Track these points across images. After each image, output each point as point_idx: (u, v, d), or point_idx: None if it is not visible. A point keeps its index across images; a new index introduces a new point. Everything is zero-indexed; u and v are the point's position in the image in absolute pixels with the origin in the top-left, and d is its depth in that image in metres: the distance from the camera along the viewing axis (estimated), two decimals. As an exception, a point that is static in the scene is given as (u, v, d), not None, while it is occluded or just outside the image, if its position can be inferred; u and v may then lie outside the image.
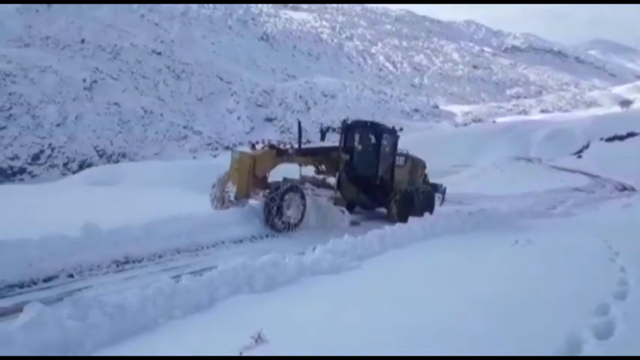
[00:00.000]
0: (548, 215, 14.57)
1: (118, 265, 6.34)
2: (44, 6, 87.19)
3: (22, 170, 57.38)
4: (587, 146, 51.01)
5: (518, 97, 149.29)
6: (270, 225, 8.79)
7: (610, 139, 51.21)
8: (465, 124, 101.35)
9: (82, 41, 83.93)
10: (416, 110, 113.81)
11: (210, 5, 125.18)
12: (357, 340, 3.68)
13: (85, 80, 72.80)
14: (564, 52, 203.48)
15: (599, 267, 6.15)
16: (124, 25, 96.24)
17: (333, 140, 11.57)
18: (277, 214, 8.75)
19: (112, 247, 6.64)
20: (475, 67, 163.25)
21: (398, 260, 7.00)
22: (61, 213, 9.28)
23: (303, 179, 10.56)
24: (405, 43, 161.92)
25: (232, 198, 9.19)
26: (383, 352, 3.36)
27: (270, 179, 9.89)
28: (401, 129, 12.37)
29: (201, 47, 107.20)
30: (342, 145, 11.23)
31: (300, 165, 10.53)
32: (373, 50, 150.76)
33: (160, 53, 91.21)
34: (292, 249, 6.89)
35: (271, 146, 9.70)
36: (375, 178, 11.39)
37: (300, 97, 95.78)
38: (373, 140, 11.63)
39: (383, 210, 11.77)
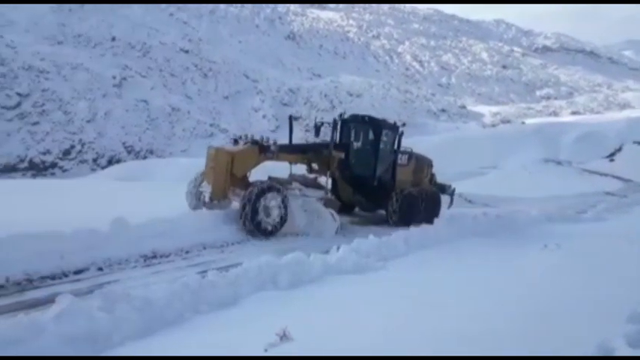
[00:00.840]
0: (578, 219, 14.21)
1: (145, 260, 6.46)
2: (77, 5, 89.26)
3: (53, 165, 58.83)
4: (619, 149, 49.54)
5: (548, 98, 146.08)
6: (247, 230, 7.98)
7: (644, 142, 49.59)
8: (493, 125, 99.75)
9: (113, 39, 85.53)
10: (443, 110, 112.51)
11: (238, 4, 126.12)
12: (382, 341, 3.65)
13: (114, 77, 74.22)
14: (597, 53, 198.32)
15: (632, 273, 5.97)
16: (154, 23, 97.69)
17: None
18: (251, 218, 7.88)
19: (139, 242, 6.76)
20: (504, 67, 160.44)
21: (423, 262, 6.94)
22: (91, 207, 9.48)
23: (292, 178, 9.73)
24: (432, 42, 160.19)
25: (207, 199, 8.48)
26: (407, 354, 3.33)
27: (269, 178, 9.20)
28: (404, 124, 11.48)
29: (229, 46, 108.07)
30: (337, 141, 10.46)
31: (291, 163, 9.80)
32: (400, 49, 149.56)
33: (187, 51, 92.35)
34: (317, 248, 6.90)
35: (254, 142, 8.82)
36: (372, 178, 10.51)
37: (326, 95, 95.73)
38: (371, 136, 10.72)
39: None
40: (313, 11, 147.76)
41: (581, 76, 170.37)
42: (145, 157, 61.57)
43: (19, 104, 61.63)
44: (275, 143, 8.95)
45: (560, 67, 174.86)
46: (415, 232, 8.27)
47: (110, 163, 57.07)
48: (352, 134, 10.84)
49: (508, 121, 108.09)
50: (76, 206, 9.91)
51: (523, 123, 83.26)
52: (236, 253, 7.22)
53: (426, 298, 4.88)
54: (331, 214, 8.84)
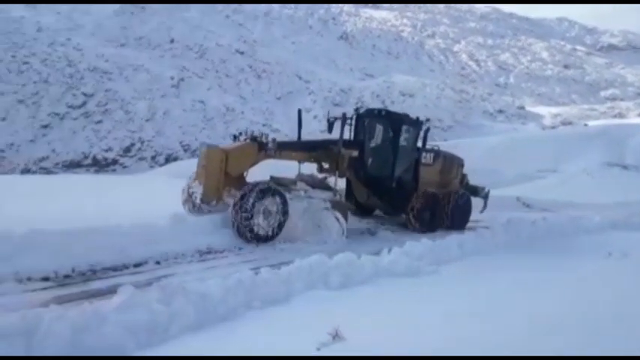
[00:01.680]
0: (645, 227, 13.39)
1: (200, 255, 6.63)
2: (138, 7, 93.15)
3: (114, 161, 61.64)
4: (692, 153, 46.43)
5: (613, 99, 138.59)
6: (241, 235, 7.34)
7: None
8: (554, 127, 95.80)
9: (172, 41, 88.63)
10: (500, 111, 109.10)
11: (292, 5, 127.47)
12: (434, 345, 3.57)
13: (172, 78, 76.86)
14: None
15: None
16: (210, 25, 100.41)
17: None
18: (244, 223, 7.25)
19: (195, 237, 6.96)
20: (566, 66, 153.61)
21: (478, 268, 6.74)
22: (149, 203, 9.84)
23: (299, 178, 8.97)
24: (490, 41, 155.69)
25: (198, 200, 7.87)
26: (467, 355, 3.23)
27: (270, 177, 8.60)
28: (428, 120, 10.38)
29: (282, 47, 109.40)
30: (350, 137, 9.70)
31: (300, 162, 9.08)
32: (456, 48, 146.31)
33: (242, 53, 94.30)
34: (370, 250, 6.86)
35: (253, 138, 8.22)
36: (390, 179, 9.55)
37: (378, 96, 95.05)
38: (389, 133, 9.70)
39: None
40: (367, 11, 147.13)
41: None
42: (200, 156, 63.22)
43: (84, 104, 65.07)
44: (274, 140, 8.24)
45: (628, 67, 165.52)
46: (470, 236, 8.06)
47: (167, 160, 59.13)
48: (367, 130, 9.84)
49: (569, 123, 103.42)
50: (134, 201, 10.33)
51: (586, 125, 79.48)
52: (287, 251, 7.29)
53: (479, 305, 4.73)
54: (336, 217, 8.16)
